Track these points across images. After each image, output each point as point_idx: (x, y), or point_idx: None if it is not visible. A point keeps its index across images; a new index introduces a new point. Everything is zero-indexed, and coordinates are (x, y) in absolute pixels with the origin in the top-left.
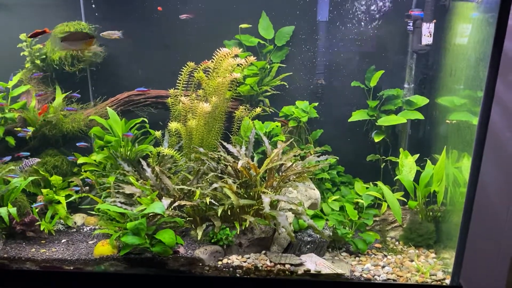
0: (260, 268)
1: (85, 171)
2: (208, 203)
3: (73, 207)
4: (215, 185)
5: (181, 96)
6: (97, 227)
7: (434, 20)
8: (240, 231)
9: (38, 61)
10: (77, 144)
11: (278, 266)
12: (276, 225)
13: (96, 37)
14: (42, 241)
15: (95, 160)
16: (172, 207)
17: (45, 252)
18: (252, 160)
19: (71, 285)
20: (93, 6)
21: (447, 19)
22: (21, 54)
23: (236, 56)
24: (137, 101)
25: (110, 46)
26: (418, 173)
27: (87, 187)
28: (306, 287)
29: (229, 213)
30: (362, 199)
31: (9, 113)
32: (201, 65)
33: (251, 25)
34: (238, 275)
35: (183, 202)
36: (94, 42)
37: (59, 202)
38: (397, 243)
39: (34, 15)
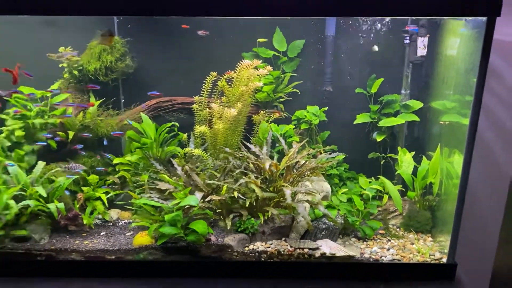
0: (282, 252)
1: (120, 170)
2: (236, 196)
3: (108, 203)
4: (242, 181)
5: (205, 103)
6: (131, 220)
7: (428, 35)
8: (263, 221)
9: (75, 72)
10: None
11: (298, 250)
12: (295, 214)
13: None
14: (83, 234)
15: (129, 161)
16: (203, 201)
17: (88, 244)
18: (272, 159)
19: (113, 273)
20: (129, 25)
21: (439, 34)
22: (60, 65)
23: (256, 67)
24: (165, 107)
25: (140, 58)
26: (415, 169)
27: (116, 186)
28: (323, 267)
29: (253, 205)
30: (367, 191)
31: (51, 119)
32: (225, 75)
33: (267, 39)
34: (263, 259)
35: (214, 197)
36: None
37: (97, 199)
38: (398, 229)
39: (75, 31)
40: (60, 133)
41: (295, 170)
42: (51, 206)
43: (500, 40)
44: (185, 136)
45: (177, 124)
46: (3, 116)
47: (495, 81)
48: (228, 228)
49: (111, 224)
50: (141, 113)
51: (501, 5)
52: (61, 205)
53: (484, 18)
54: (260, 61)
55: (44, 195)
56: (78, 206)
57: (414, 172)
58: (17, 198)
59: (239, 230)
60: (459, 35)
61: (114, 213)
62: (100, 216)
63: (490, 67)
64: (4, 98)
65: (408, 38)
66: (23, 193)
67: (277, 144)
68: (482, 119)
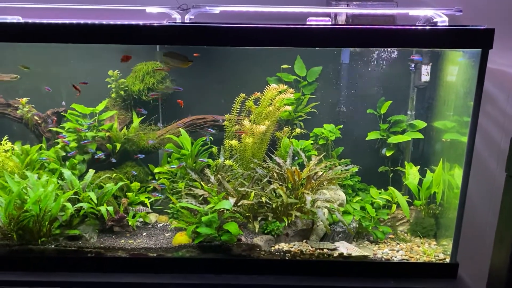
0: (304, 252)
1: (159, 178)
2: (264, 202)
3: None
4: (272, 187)
5: (234, 120)
6: (169, 223)
7: (430, 63)
8: (287, 224)
9: (122, 92)
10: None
11: (318, 250)
12: (315, 219)
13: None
14: (127, 234)
15: (168, 170)
16: (234, 205)
17: (133, 243)
18: None
19: (155, 268)
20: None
21: (440, 62)
22: (108, 86)
23: (280, 92)
24: (199, 124)
25: (177, 81)
26: (420, 180)
27: (154, 193)
28: (341, 265)
29: (278, 210)
30: (378, 200)
31: (101, 133)
32: (252, 96)
33: (289, 66)
34: (287, 258)
35: (245, 201)
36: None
37: (138, 203)
38: (405, 234)
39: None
40: (108, 145)
41: (314, 180)
42: (102, 209)
43: (493, 68)
44: (215, 149)
45: (211, 138)
46: (59, 130)
47: (490, 105)
48: (257, 230)
49: (151, 226)
50: (180, 129)
51: (493, 39)
52: (110, 208)
53: (479, 50)
54: (286, 86)
55: (95, 200)
56: (122, 209)
57: (420, 183)
58: (70, 202)
59: (265, 232)
60: (457, 64)
61: (153, 217)
62: (141, 219)
63: (484, 92)
64: (61, 113)
65: (413, 66)
66: (76, 196)
67: (296, 158)
68: (479, 140)
